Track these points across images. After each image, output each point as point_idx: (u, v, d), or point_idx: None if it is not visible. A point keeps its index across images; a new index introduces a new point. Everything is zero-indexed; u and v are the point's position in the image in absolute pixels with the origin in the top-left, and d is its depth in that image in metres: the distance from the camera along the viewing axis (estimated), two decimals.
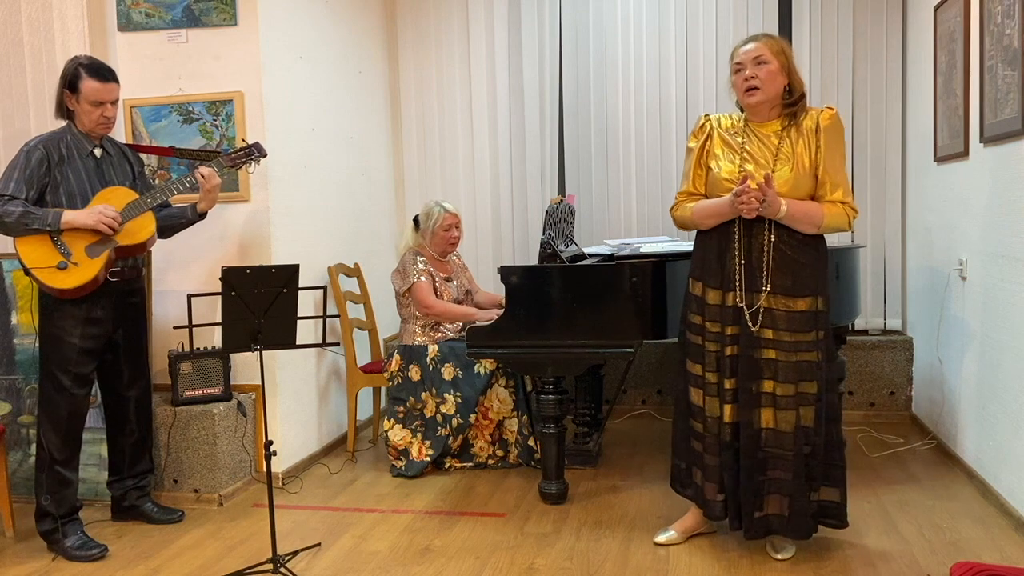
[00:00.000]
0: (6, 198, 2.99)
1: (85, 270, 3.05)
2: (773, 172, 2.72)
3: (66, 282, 3.03)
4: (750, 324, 2.76)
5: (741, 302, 2.78)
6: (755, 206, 2.67)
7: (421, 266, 4.01)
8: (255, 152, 3.41)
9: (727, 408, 2.84)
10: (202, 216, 3.38)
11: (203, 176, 3.27)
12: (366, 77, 4.91)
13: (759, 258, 2.76)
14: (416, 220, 4.19)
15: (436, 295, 4.01)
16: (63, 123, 3.21)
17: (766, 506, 2.83)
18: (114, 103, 3.17)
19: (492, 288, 4.85)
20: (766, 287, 2.75)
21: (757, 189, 2.66)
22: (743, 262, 2.78)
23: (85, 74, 3.09)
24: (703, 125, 2.91)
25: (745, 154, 2.80)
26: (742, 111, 2.89)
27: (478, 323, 3.67)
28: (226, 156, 3.39)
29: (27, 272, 3.04)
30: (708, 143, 2.88)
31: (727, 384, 2.83)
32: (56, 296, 3.07)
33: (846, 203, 2.77)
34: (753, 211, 2.68)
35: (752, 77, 2.74)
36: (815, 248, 2.79)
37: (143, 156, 3.57)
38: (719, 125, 2.88)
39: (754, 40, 2.79)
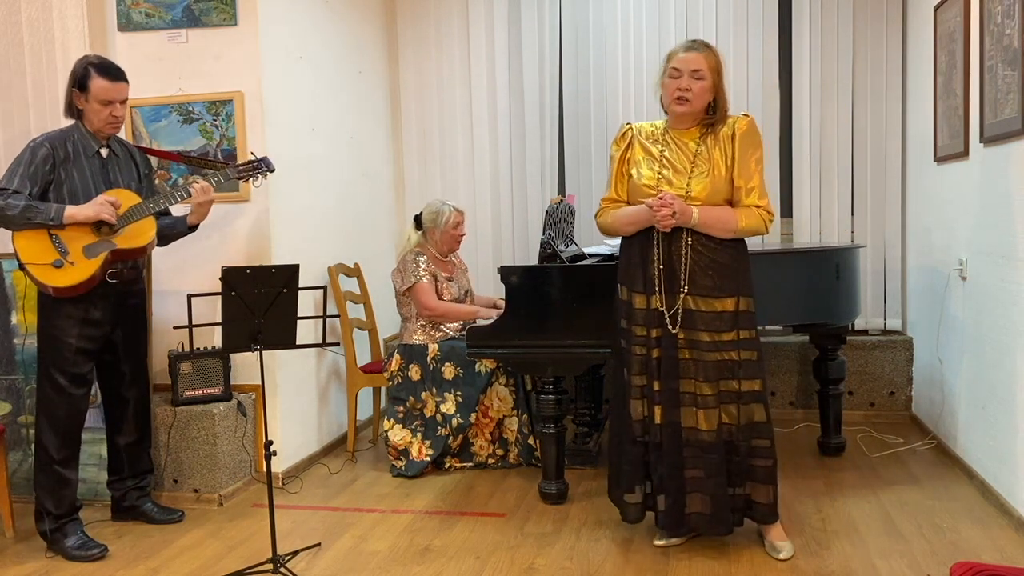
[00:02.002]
0: (9, 192, 3.00)
1: (81, 270, 3.05)
2: (691, 178, 2.80)
3: (61, 280, 3.03)
4: (670, 326, 2.82)
5: (662, 305, 2.84)
6: (671, 222, 2.74)
7: (423, 266, 4.01)
8: (263, 167, 3.41)
9: (657, 409, 2.89)
10: (192, 229, 3.37)
11: (199, 190, 3.25)
12: (366, 77, 4.91)
13: (678, 261, 2.83)
14: (417, 219, 4.19)
15: (438, 295, 4.01)
16: (63, 123, 3.21)
17: (689, 504, 2.88)
18: (123, 103, 3.18)
19: (492, 288, 4.85)
20: (684, 288, 2.81)
21: (672, 201, 2.72)
22: (662, 267, 2.84)
23: (95, 73, 3.09)
24: (624, 133, 2.98)
25: (664, 161, 2.86)
26: (667, 113, 2.94)
27: (478, 323, 3.67)
28: (233, 168, 3.39)
29: (22, 268, 3.04)
30: (629, 151, 2.94)
31: (656, 386, 2.88)
32: (51, 294, 3.06)
33: (760, 207, 2.83)
34: (669, 226, 2.76)
35: (687, 89, 2.78)
36: (734, 250, 2.86)
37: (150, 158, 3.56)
38: (640, 133, 2.95)
39: (696, 50, 2.82)
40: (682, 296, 2.82)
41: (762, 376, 2.88)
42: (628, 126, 3.00)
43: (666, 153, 2.87)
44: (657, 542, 3.04)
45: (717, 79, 2.82)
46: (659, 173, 2.85)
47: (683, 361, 2.83)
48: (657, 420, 2.89)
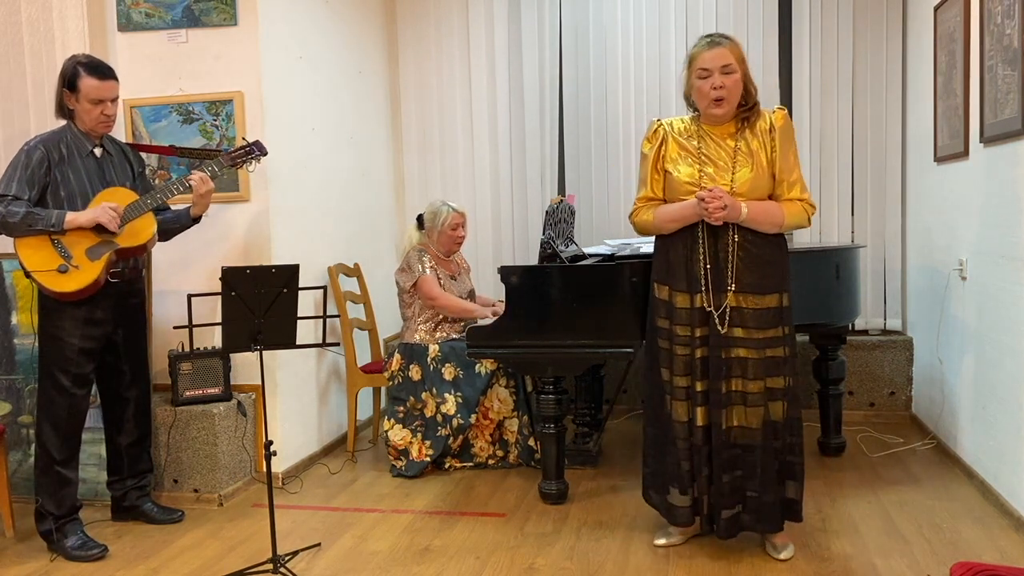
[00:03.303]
0: (9, 198, 2.99)
1: (86, 273, 3.05)
2: (733, 174, 2.76)
3: (67, 285, 3.03)
4: (718, 325, 2.79)
5: (708, 304, 2.80)
6: (722, 214, 2.69)
7: (428, 263, 4.02)
8: (255, 151, 3.40)
9: (699, 411, 2.85)
10: (196, 220, 3.38)
11: (197, 181, 3.24)
12: (366, 77, 4.91)
13: (724, 259, 2.79)
14: (420, 219, 4.19)
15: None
16: (63, 122, 3.20)
17: (736, 504, 2.85)
18: (114, 101, 3.17)
19: (492, 288, 4.85)
20: (731, 286, 2.78)
21: (722, 195, 2.68)
22: (709, 264, 2.80)
23: (84, 72, 3.09)
24: (656, 130, 2.91)
25: (703, 157, 2.82)
26: (695, 112, 2.88)
27: (479, 323, 3.67)
28: (226, 155, 3.39)
29: (28, 275, 3.04)
30: (663, 148, 2.88)
31: (699, 387, 2.85)
32: (57, 299, 3.06)
33: (803, 200, 2.81)
34: (720, 219, 2.71)
35: (721, 87, 2.73)
36: (778, 246, 2.84)
37: (143, 156, 3.56)
38: (672, 129, 2.88)
39: (718, 44, 2.76)
40: (729, 294, 2.78)
41: (797, 372, 2.87)
42: (659, 123, 2.91)
43: (704, 149, 2.82)
44: (657, 542, 3.03)
45: (745, 69, 2.77)
46: (700, 170, 2.79)
47: (731, 360, 2.79)
48: (699, 422, 2.84)
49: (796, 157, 2.83)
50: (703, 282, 2.81)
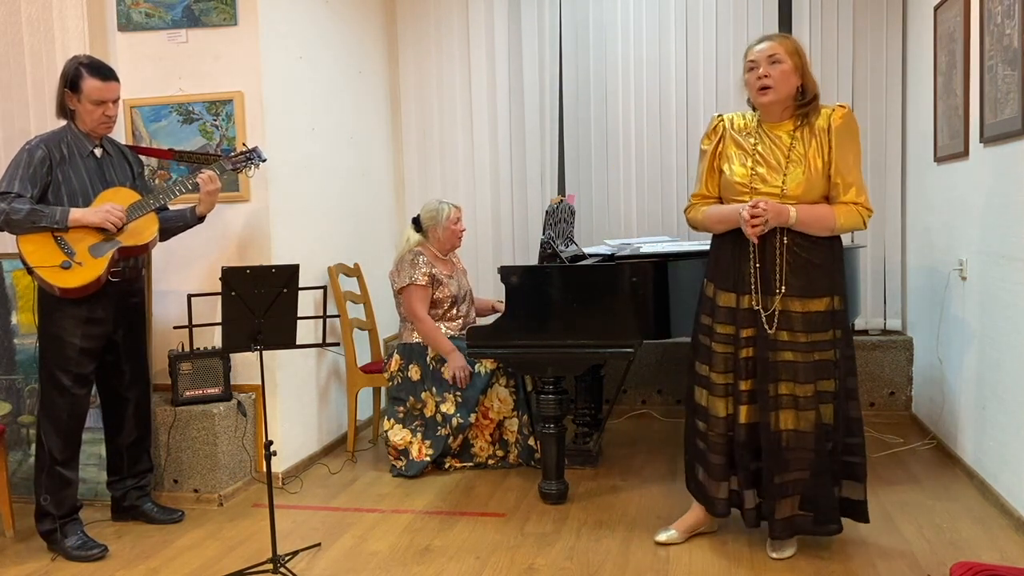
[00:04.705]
0: (12, 195, 2.99)
1: (89, 269, 3.05)
2: (785, 175, 2.73)
3: (70, 281, 3.03)
4: (766, 327, 2.76)
5: (757, 305, 2.78)
6: (759, 231, 2.68)
7: (423, 268, 4.00)
8: (255, 156, 3.42)
9: (743, 409, 2.83)
10: (201, 219, 3.38)
11: (205, 179, 3.27)
12: (366, 77, 4.91)
13: (773, 261, 2.76)
14: (415, 221, 4.19)
15: (435, 293, 4.00)
16: (63, 122, 3.20)
17: (791, 507, 2.83)
18: (115, 102, 3.17)
19: (492, 288, 4.86)
20: (780, 290, 2.75)
21: (765, 212, 2.66)
22: (758, 265, 2.77)
23: (86, 73, 3.09)
24: (716, 127, 2.89)
25: (757, 156, 2.78)
26: (755, 110, 2.87)
27: (478, 322, 3.67)
28: (226, 159, 3.39)
29: (30, 271, 3.04)
30: (720, 145, 2.86)
31: (743, 386, 2.83)
32: (58, 296, 3.06)
33: (859, 203, 2.75)
34: (759, 234, 2.70)
35: (766, 76, 2.72)
36: (829, 249, 2.79)
37: (142, 157, 3.57)
38: (731, 126, 2.86)
39: (769, 39, 2.77)
40: (779, 297, 2.76)
41: (855, 373, 2.85)
42: (719, 118, 2.89)
43: (759, 147, 2.79)
44: (658, 538, 3.04)
45: (799, 62, 2.73)
46: (752, 170, 2.77)
47: (780, 363, 2.77)
48: (742, 419, 2.83)
49: (856, 157, 2.76)
50: (752, 283, 2.78)
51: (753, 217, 2.67)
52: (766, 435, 2.80)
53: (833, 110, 2.77)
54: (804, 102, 2.77)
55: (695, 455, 2.99)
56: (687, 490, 3.09)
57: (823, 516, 2.82)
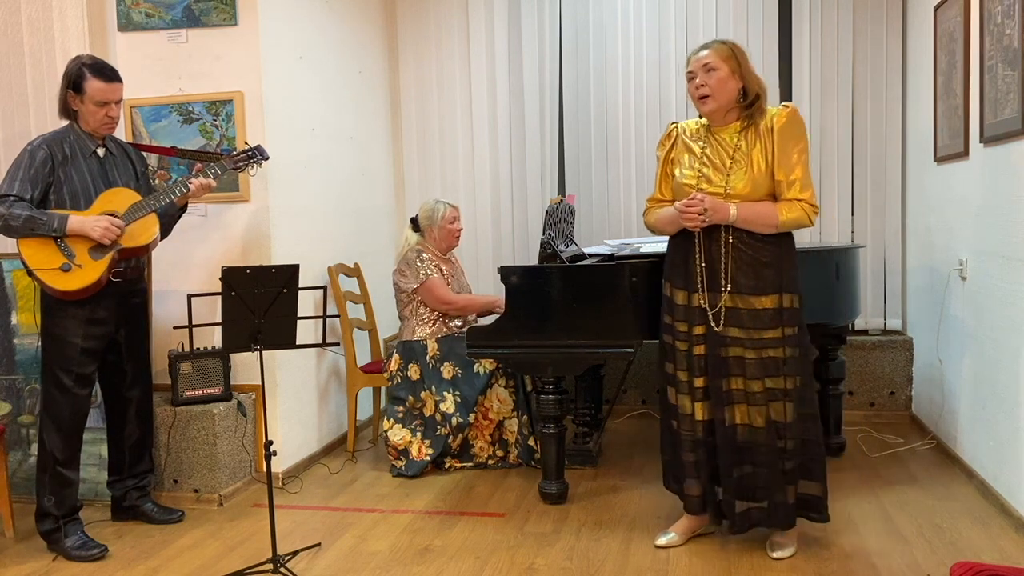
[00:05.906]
0: (11, 199, 2.99)
1: (89, 272, 3.05)
2: (729, 175, 2.79)
3: (70, 284, 3.03)
4: (714, 324, 2.82)
5: (704, 303, 2.84)
6: (697, 222, 2.76)
7: (429, 263, 4.02)
8: (257, 155, 3.42)
9: (698, 406, 2.90)
10: (183, 209, 3.39)
11: (196, 187, 3.25)
12: (366, 77, 4.91)
13: (719, 259, 2.82)
14: (413, 221, 4.19)
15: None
16: (63, 123, 3.20)
17: (747, 500, 2.88)
18: (118, 103, 3.18)
19: (492, 288, 4.85)
20: (726, 287, 2.81)
21: (700, 202, 2.73)
22: (703, 264, 2.84)
23: (90, 74, 3.09)
24: (669, 133, 2.99)
25: (704, 158, 2.86)
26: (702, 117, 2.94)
27: (478, 322, 3.67)
28: (228, 158, 3.39)
29: (30, 274, 3.04)
30: (673, 150, 2.95)
31: (697, 382, 2.90)
32: (59, 298, 3.06)
33: (802, 199, 2.78)
34: (697, 226, 2.78)
35: (703, 85, 2.79)
36: (777, 246, 2.83)
37: (145, 155, 3.56)
38: (684, 132, 2.95)
39: (705, 47, 2.83)
40: (725, 294, 2.81)
41: (808, 372, 2.87)
42: (674, 125, 2.99)
43: (707, 150, 2.85)
44: (657, 542, 3.04)
45: (735, 66, 2.78)
46: (699, 171, 2.84)
47: (729, 359, 2.82)
48: (699, 416, 2.89)
49: (801, 155, 2.79)
50: (699, 281, 2.85)
51: (688, 207, 2.75)
52: (721, 430, 2.86)
53: (777, 111, 2.82)
54: (748, 103, 2.81)
55: (671, 454, 3.05)
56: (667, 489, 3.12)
57: (776, 512, 2.86)
